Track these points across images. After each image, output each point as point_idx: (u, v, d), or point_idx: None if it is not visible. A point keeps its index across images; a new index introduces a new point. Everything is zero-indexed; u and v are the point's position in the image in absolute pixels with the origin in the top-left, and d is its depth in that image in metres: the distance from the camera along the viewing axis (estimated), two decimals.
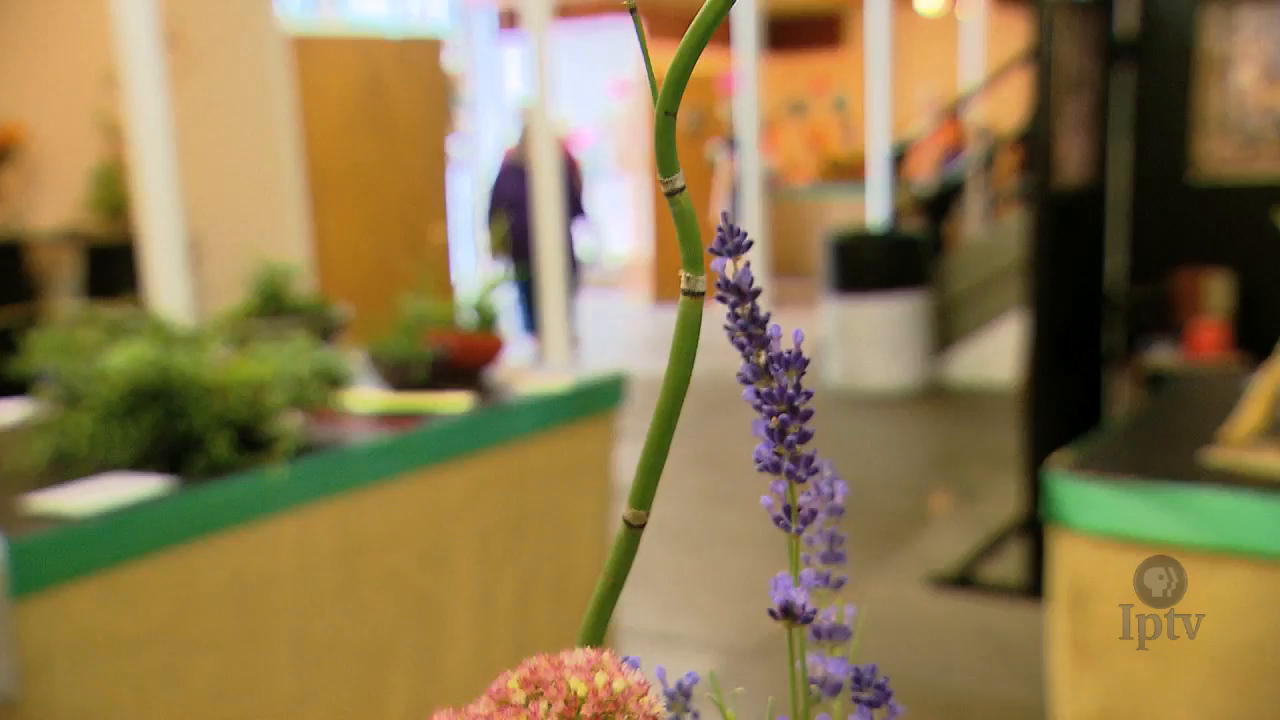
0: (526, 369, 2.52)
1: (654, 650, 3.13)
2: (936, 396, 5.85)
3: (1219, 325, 3.63)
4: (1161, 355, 3.71)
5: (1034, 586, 3.31)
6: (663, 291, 9.27)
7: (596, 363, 6.61)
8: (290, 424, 1.78)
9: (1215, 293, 3.60)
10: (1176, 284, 3.71)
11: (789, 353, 0.35)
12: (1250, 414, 1.72)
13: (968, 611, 3.40)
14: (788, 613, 0.35)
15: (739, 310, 0.35)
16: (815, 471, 0.35)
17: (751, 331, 0.35)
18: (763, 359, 0.35)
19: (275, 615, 1.65)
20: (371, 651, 1.79)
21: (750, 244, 0.35)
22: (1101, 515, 1.67)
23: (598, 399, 2.30)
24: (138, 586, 1.46)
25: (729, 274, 0.34)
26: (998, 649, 3.14)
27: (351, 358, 2.23)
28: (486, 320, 2.38)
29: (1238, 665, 1.57)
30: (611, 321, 8.77)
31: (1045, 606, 2.26)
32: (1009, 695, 2.81)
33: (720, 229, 0.35)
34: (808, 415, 0.34)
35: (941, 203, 6.66)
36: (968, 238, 6.47)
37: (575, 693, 0.33)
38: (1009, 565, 3.71)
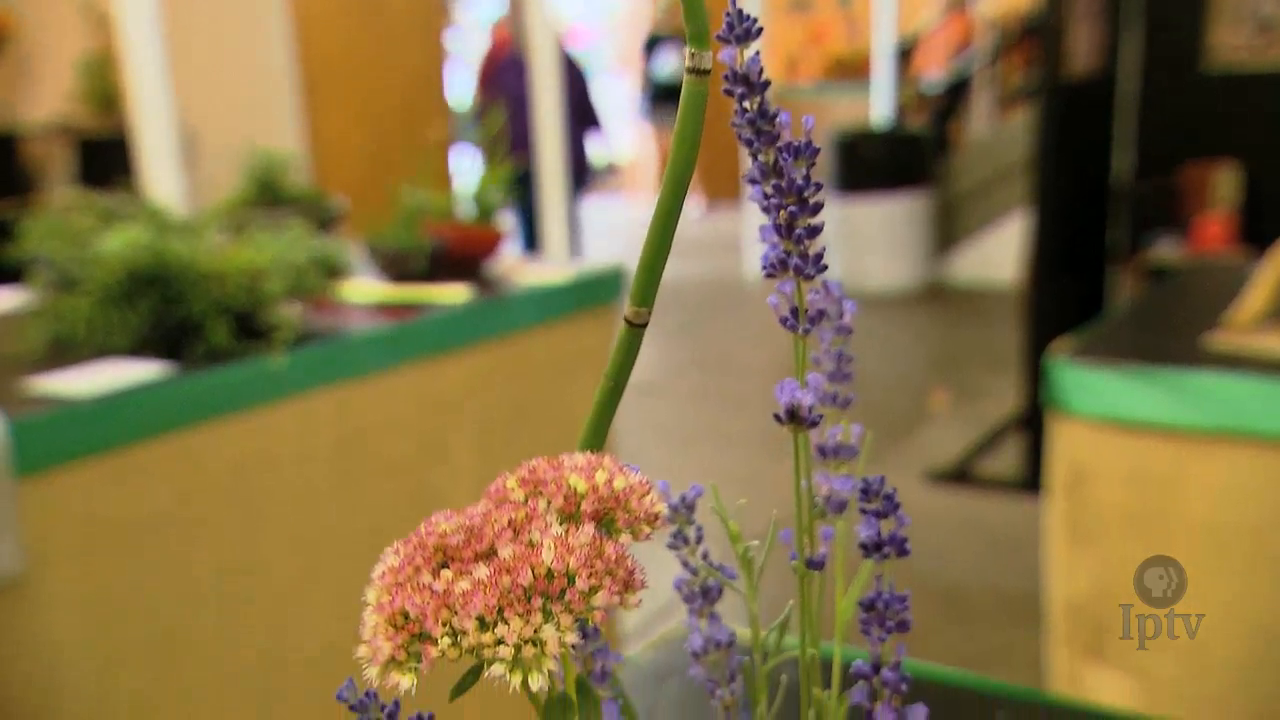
0: (525, 262, 2.51)
1: (651, 541, 3.16)
2: (938, 297, 5.83)
3: (1225, 219, 3.59)
4: (1165, 250, 3.69)
5: (1030, 481, 3.34)
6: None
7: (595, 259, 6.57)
8: (289, 312, 1.77)
9: (1223, 185, 3.56)
10: (1184, 177, 3.67)
11: (799, 142, 0.33)
12: (1254, 298, 1.70)
13: (964, 505, 3.44)
14: (793, 416, 0.34)
15: (747, 104, 0.33)
16: (824, 269, 0.34)
17: (760, 127, 0.34)
18: (771, 157, 0.34)
19: (276, 502, 1.66)
20: (371, 540, 1.80)
21: (760, 31, 0.33)
22: (1101, 400, 1.67)
23: (597, 292, 2.29)
24: (139, 469, 1.47)
25: (737, 64, 0.33)
26: (993, 542, 3.18)
27: (349, 249, 2.21)
28: (486, 212, 2.36)
29: (1233, 548, 1.59)
30: (611, 222, 8.71)
31: (1041, 500, 2.28)
32: (1004, 585, 2.85)
33: (728, 14, 0.33)
34: (818, 208, 0.33)
35: (947, 100, 6.55)
36: (973, 135, 6.37)
37: (575, 489, 0.32)
38: (1006, 461, 3.74)
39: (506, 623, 0.29)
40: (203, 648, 1.55)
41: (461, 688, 0.33)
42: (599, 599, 0.30)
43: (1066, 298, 3.42)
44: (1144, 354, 1.70)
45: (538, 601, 0.29)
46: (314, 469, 1.73)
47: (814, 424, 0.34)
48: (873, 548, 0.38)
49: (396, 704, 0.35)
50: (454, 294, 2.06)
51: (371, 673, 0.31)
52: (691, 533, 0.39)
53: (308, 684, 1.68)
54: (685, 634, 0.41)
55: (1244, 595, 1.57)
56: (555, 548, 0.30)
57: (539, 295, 2.15)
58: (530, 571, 0.30)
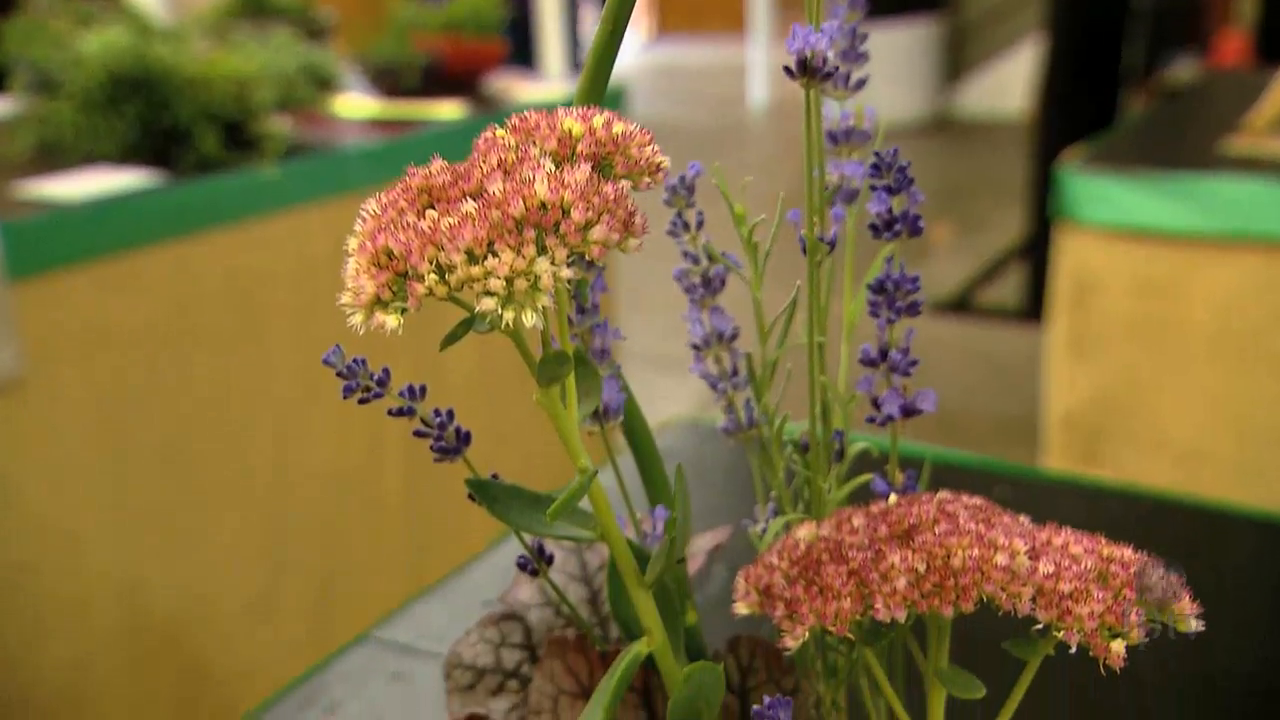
0: (522, 79, 2.43)
1: (651, 371, 3.18)
2: (945, 128, 5.71)
3: (1244, 36, 3.47)
4: (1182, 70, 3.58)
5: (1032, 309, 3.33)
6: (664, 24, 8.89)
7: None
8: (279, 123, 1.73)
9: (1243, 1, 3.42)
10: None
11: None
12: (1271, 103, 1.65)
13: (965, 335, 3.44)
14: (805, 68, 0.32)
15: None
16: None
17: None
18: None
19: (274, 316, 1.65)
20: (371, 357, 1.81)
21: None
22: (1111, 209, 1.64)
23: None
24: (136, 277, 1.45)
25: None
26: (993, 369, 3.20)
27: (340, 63, 2.14)
28: (483, 26, 2.27)
29: (1234, 351, 1.59)
30: None
31: (1042, 328, 2.27)
32: (1001, 410, 2.88)
33: None
34: None
35: None
36: None
37: (570, 132, 0.30)
38: (1008, 290, 3.73)
39: (497, 255, 0.28)
40: (209, 457, 1.56)
41: (452, 338, 0.31)
42: (596, 233, 0.28)
43: (1078, 119, 3.33)
44: (1156, 160, 1.66)
45: (530, 233, 0.28)
46: (311, 284, 1.71)
47: (828, 76, 0.32)
48: (884, 226, 0.36)
49: (386, 370, 0.34)
50: (449, 110, 2.01)
51: (357, 317, 0.29)
52: (692, 217, 0.37)
53: (313, 495, 1.71)
54: (681, 420, 0.40)
55: (1242, 398, 1.58)
56: (549, 181, 0.28)
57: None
58: (522, 203, 0.28)
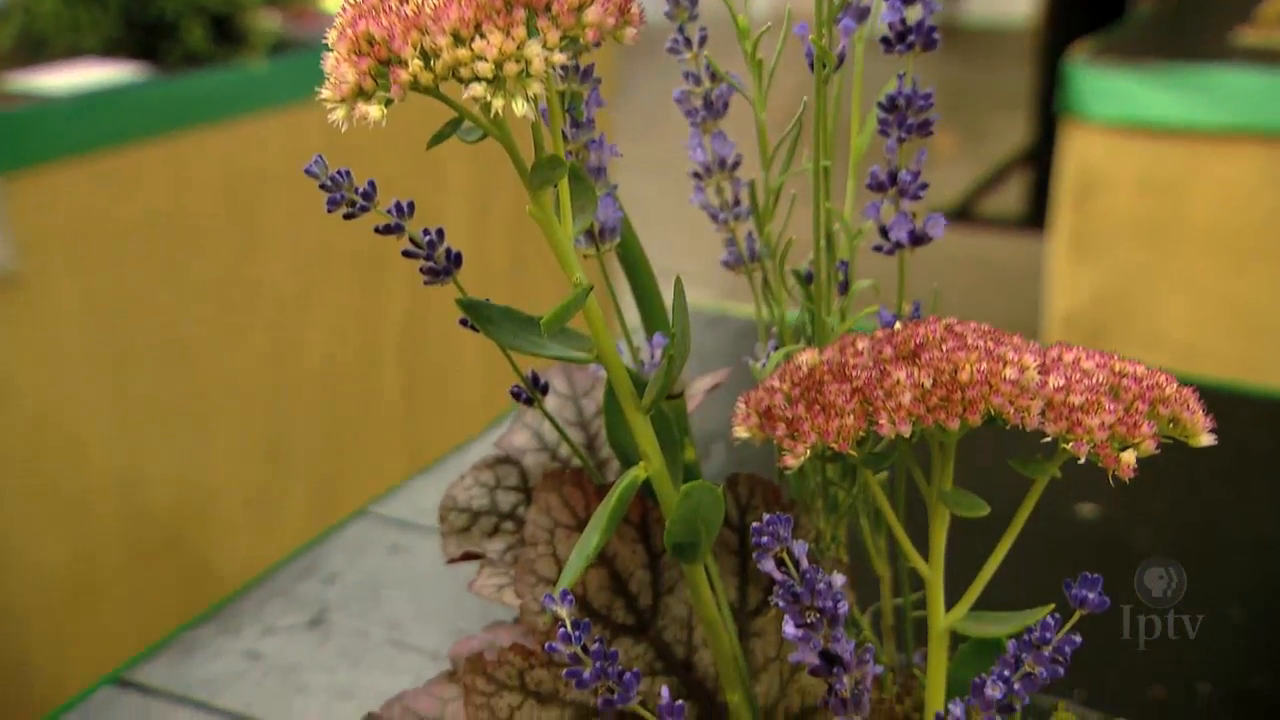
0: None
1: (664, 285, 3.16)
2: (949, 36, 5.59)
3: None
4: None
5: (1034, 218, 3.30)
6: None
7: None
8: (267, 19, 1.69)
9: None
10: None
11: None
12: None
13: (966, 242, 3.41)
14: None
15: None
16: None
17: None
18: None
19: (268, 216, 1.63)
20: (369, 259, 1.78)
21: None
22: (1118, 103, 1.61)
23: None
24: (128, 173, 1.43)
25: None
26: (994, 276, 3.18)
27: None
28: None
29: (1235, 247, 1.57)
30: None
31: (1044, 236, 2.24)
32: (1002, 313, 2.86)
33: None
34: None
35: None
36: None
37: None
38: (1010, 199, 3.69)
39: (485, 37, 0.26)
40: (206, 356, 1.55)
41: (439, 138, 0.30)
42: (590, 14, 0.27)
43: (1085, 17, 3.26)
44: (1164, 52, 1.62)
45: (520, 14, 0.26)
46: (305, 183, 1.69)
47: None
48: (897, 39, 0.34)
49: (371, 184, 0.33)
50: None
51: (338, 113, 0.27)
52: (694, 32, 0.36)
53: (311, 392, 1.70)
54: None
55: (1243, 295, 1.57)
56: None
57: None
58: None
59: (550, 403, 0.46)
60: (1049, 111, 3.17)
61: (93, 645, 1.44)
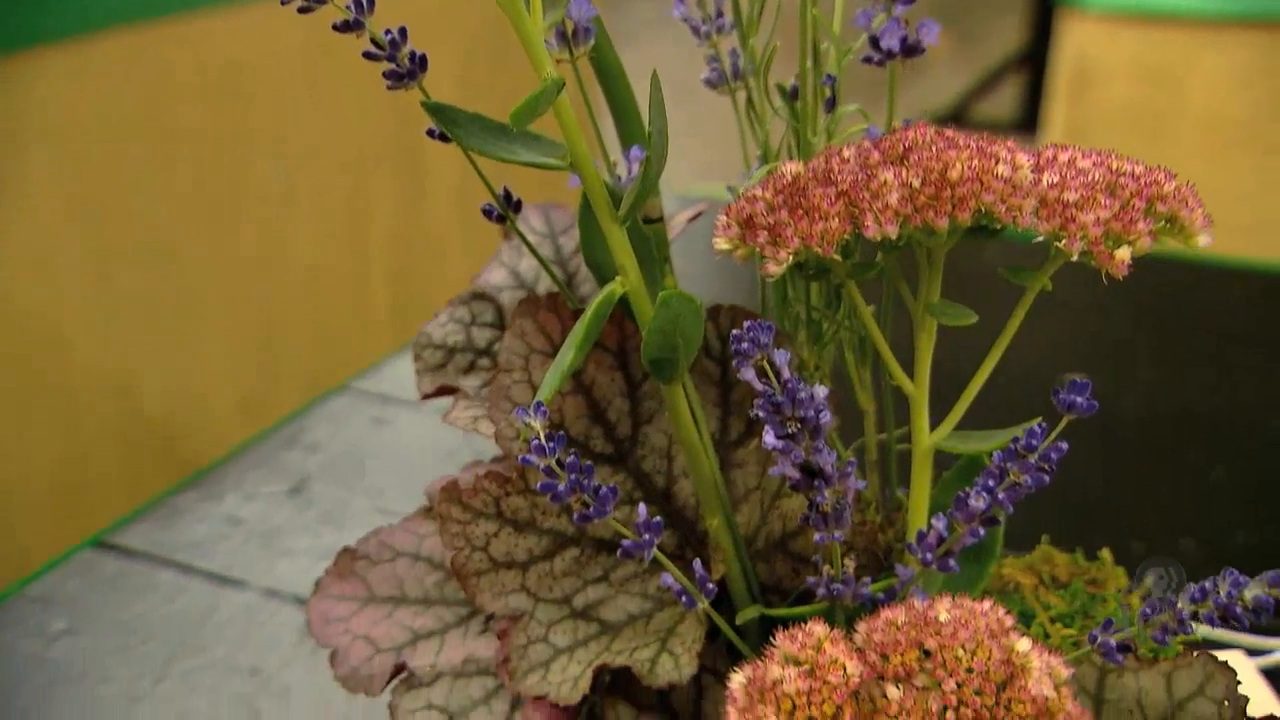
0: None
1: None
2: None
3: None
4: None
5: (1028, 121, 3.25)
6: None
7: None
8: None
9: None
10: None
11: None
12: None
13: None
14: None
15: None
16: None
17: None
18: None
19: (251, 114, 1.59)
20: (354, 162, 1.75)
21: None
22: None
23: None
24: (104, 63, 1.39)
25: None
26: None
27: None
28: None
29: (1232, 137, 1.55)
30: None
31: (1037, 139, 2.21)
32: None
33: None
34: None
35: None
36: None
37: None
38: (1004, 103, 3.64)
39: None
40: (193, 257, 1.53)
41: None
42: None
43: None
44: None
45: None
46: (288, 82, 1.64)
47: None
48: None
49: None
50: None
51: None
52: None
53: (300, 296, 1.68)
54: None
55: (1235, 186, 1.55)
56: None
57: None
58: None
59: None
60: (1046, 8, 3.11)
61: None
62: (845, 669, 0.31)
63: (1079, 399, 0.30)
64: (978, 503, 0.32)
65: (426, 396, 0.41)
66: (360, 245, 1.81)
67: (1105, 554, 0.42)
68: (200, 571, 0.61)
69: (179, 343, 1.54)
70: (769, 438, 0.31)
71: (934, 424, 0.35)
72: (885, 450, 0.42)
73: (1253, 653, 0.53)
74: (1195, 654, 0.34)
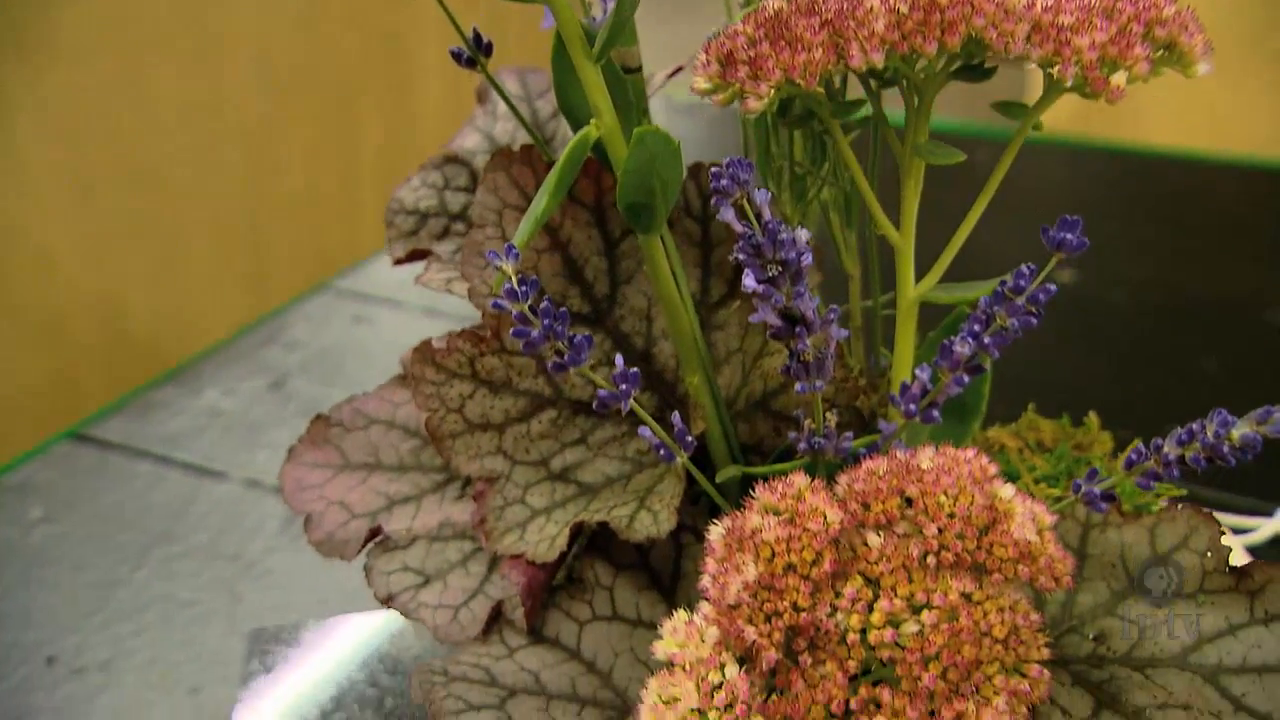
0: None
1: None
2: None
3: None
4: None
5: None
6: None
7: None
8: None
9: None
10: None
11: None
12: None
13: None
14: None
15: None
16: None
17: None
18: None
19: (233, 37, 1.55)
20: (340, 87, 1.72)
21: None
22: None
23: None
24: None
25: None
26: None
27: None
28: None
29: (1231, 57, 1.52)
30: None
31: None
32: None
33: None
34: None
35: None
36: None
37: None
38: None
39: None
40: (177, 182, 1.50)
41: None
42: None
43: None
44: None
45: None
46: (273, 5, 1.61)
47: None
48: None
49: None
50: None
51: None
52: None
53: (289, 220, 1.66)
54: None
55: (1236, 104, 1.53)
56: None
57: None
58: None
59: (503, 107, 0.43)
60: None
61: None
62: (825, 517, 0.31)
63: (1069, 235, 0.29)
64: (963, 348, 0.31)
65: (399, 262, 0.40)
66: (351, 170, 1.79)
67: (1092, 417, 0.41)
68: (179, 463, 0.60)
69: (166, 268, 1.52)
70: (749, 280, 0.30)
71: (919, 280, 0.34)
72: (870, 317, 0.41)
73: (1237, 531, 0.53)
74: (1180, 506, 0.34)
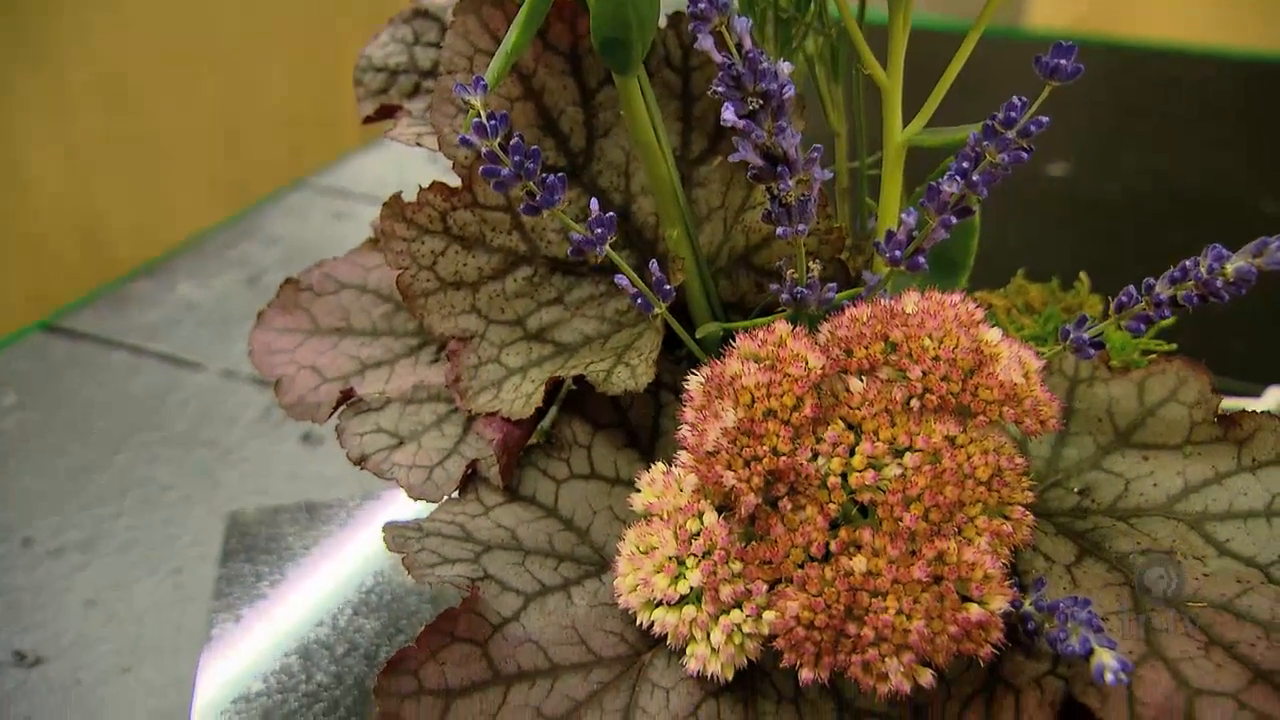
0: None
1: None
2: None
3: None
4: None
5: None
6: None
7: None
8: None
9: None
10: None
11: None
12: None
13: None
14: None
15: None
16: None
17: None
18: None
19: None
20: (322, 4, 1.68)
21: None
22: None
23: None
24: None
25: None
26: None
27: None
28: None
29: None
30: None
31: None
32: None
33: None
34: None
35: None
36: None
37: None
38: None
39: None
40: (155, 99, 1.46)
41: None
42: None
43: None
44: None
45: None
46: None
47: None
48: None
49: None
50: None
51: None
52: None
53: (269, 141, 1.63)
54: None
55: (1222, 28, 1.50)
56: None
57: None
58: None
59: None
60: None
61: None
62: (807, 362, 0.30)
63: (1063, 62, 0.28)
64: (950, 187, 0.30)
65: (368, 120, 0.39)
66: (333, 88, 1.75)
67: (1083, 278, 0.40)
68: (154, 354, 0.59)
69: (144, 190, 1.49)
70: (728, 114, 0.29)
71: (907, 124, 0.33)
72: (857, 179, 0.40)
73: None
74: (1170, 359, 0.33)
